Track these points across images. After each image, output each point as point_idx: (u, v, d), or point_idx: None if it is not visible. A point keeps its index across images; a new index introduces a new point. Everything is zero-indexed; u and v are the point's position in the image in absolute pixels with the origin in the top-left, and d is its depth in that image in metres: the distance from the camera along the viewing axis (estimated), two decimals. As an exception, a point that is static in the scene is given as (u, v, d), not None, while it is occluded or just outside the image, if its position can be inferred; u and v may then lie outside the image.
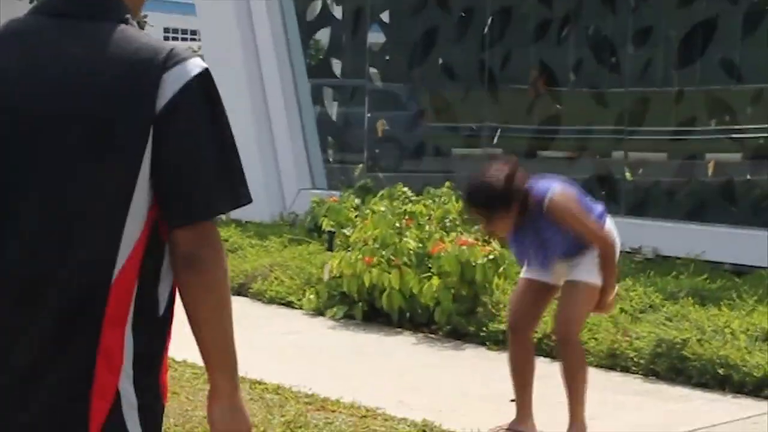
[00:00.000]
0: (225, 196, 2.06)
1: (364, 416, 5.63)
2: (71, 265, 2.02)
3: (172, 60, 2.01)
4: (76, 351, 2.04)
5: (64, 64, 2.02)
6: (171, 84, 1.99)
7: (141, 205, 2.02)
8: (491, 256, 7.43)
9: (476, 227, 4.97)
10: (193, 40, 39.78)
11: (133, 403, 2.07)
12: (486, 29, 12.11)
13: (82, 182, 2.00)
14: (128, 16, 2.09)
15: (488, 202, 4.91)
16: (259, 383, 6.08)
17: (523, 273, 5.30)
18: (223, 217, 12.65)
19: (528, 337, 5.30)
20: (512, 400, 5.39)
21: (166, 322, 2.13)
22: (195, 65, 2.03)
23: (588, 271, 5.06)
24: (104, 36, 2.03)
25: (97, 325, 2.03)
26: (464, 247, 7.41)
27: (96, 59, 2.01)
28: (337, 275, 8.05)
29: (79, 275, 2.02)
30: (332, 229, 9.29)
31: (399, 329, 7.72)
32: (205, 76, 2.04)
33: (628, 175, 10.77)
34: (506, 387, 5.46)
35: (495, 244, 7.55)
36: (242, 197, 2.08)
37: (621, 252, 9.05)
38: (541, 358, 5.94)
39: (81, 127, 1.99)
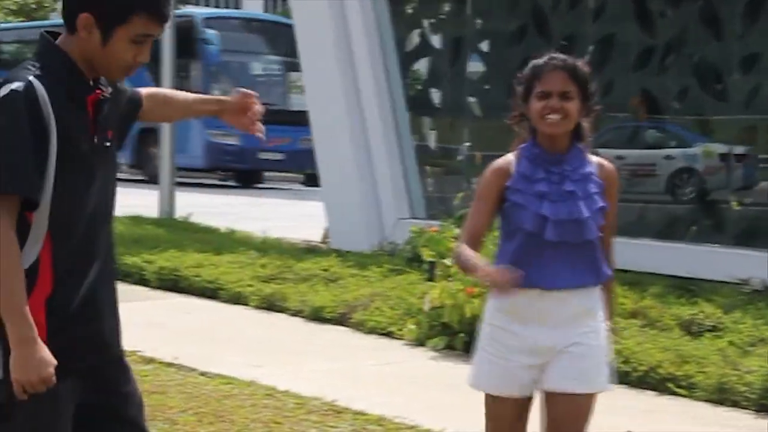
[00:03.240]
0: None
1: (467, 449, 5.57)
2: None
3: None
4: None
5: None
6: None
7: None
8: (595, 287, 7.31)
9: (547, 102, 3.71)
10: (294, 70, 40.20)
11: None
12: (587, 57, 12.01)
13: None
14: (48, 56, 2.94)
15: (581, 74, 3.83)
16: (362, 414, 6.05)
17: (488, 387, 4.09)
18: (323, 246, 12.70)
19: None
20: None
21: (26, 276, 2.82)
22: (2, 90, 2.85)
23: (603, 373, 3.90)
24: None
25: None
26: (567, 278, 7.30)
27: None
28: (438, 306, 8.01)
29: None
30: (432, 260, 9.25)
31: (500, 360, 7.63)
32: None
33: (734, 203, 10.53)
34: (605, 418, 5.35)
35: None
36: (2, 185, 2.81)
37: (728, 283, 9.04)
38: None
39: None
